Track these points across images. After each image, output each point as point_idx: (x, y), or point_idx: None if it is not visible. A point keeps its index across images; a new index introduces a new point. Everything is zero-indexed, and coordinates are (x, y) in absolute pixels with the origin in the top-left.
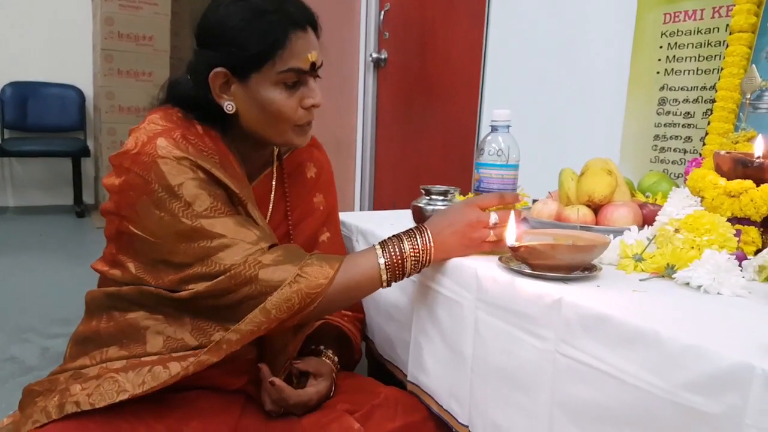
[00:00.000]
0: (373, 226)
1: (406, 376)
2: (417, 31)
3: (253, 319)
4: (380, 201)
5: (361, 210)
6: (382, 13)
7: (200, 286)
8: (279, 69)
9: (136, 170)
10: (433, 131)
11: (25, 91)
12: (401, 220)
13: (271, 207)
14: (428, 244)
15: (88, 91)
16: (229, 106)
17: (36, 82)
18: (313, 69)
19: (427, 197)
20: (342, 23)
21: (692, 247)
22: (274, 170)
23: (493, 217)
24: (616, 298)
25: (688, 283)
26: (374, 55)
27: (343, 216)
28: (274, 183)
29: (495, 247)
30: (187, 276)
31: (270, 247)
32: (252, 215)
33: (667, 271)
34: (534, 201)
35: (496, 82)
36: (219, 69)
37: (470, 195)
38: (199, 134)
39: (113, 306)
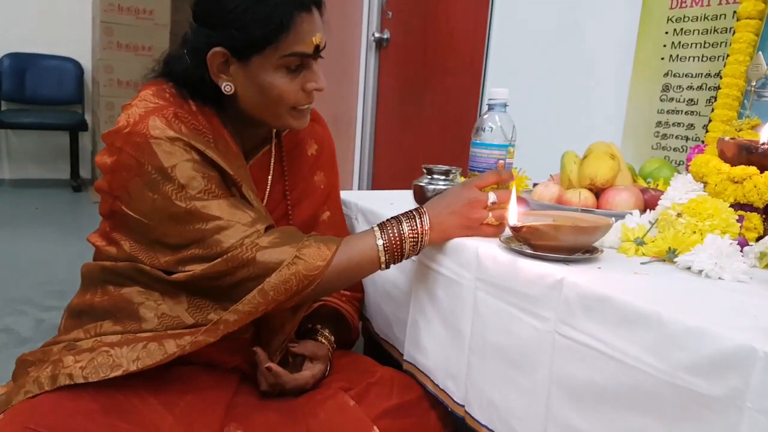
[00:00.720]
0: (373, 205)
1: (402, 356)
2: (420, 11)
3: (252, 301)
4: (379, 180)
5: (359, 188)
6: None
7: (197, 268)
8: (282, 53)
9: (128, 150)
10: (435, 112)
11: (23, 63)
12: (402, 199)
13: (269, 186)
14: (426, 225)
15: (87, 64)
16: (227, 87)
17: (34, 53)
18: (317, 52)
19: (429, 176)
20: (345, 2)
21: (694, 232)
22: (273, 148)
23: (491, 197)
24: (617, 279)
25: (689, 268)
26: (376, 35)
27: (343, 194)
28: (272, 161)
29: (495, 231)
30: (184, 257)
31: (267, 229)
32: (246, 196)
33: (669, 255)
34: (535, 184)
35: (500, 64)
36: (218, 49)
37: (470, 174)
38: (192, 112)
39: (108, 280)
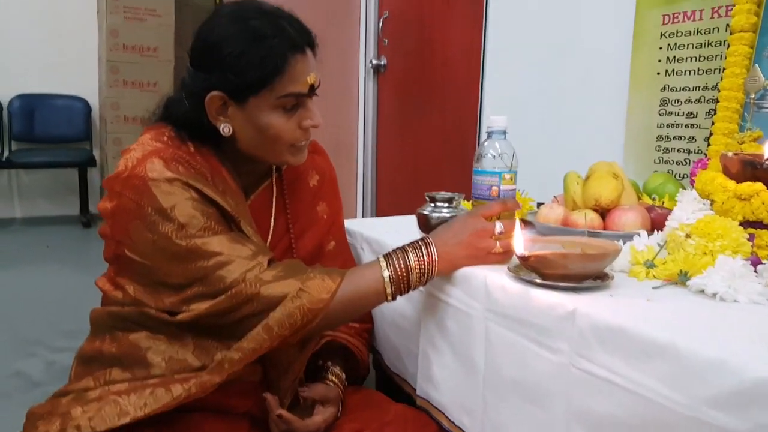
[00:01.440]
0: (377, 233)
1: (414, 390)
2: (415, 38)
3: (256, 337)
4: (382, 205)
5: (363, 215)
6: (381, 20)
7: (201, 307)
8: (278, 94)
9: (127, 194)
10: (434, 135)
11: (32, 103)
12: (406, 226)
13: (272, 220)
14: (433, 255)
15: (94, 101)
16: (225, 129)
17: (43, 94)
18: (312, 90)
19: (432, 204)
20: (342, 30)
21: (705, 253)
22: (273, 182)
23: (498, 226)
24: (630, 307)
25: (702, 291)
26: (374, 62)
27: (347, 223)
28: (273, 195)
29: (502, 259)
30: (187, 296)
31: (269, 262)
32: (245, 232)
33: (681, 278)
34: (538, 204)
35: (496, 86)
36: (216, 93)
37: (473, 202)
38: (190, 152)
39: (116, 326)
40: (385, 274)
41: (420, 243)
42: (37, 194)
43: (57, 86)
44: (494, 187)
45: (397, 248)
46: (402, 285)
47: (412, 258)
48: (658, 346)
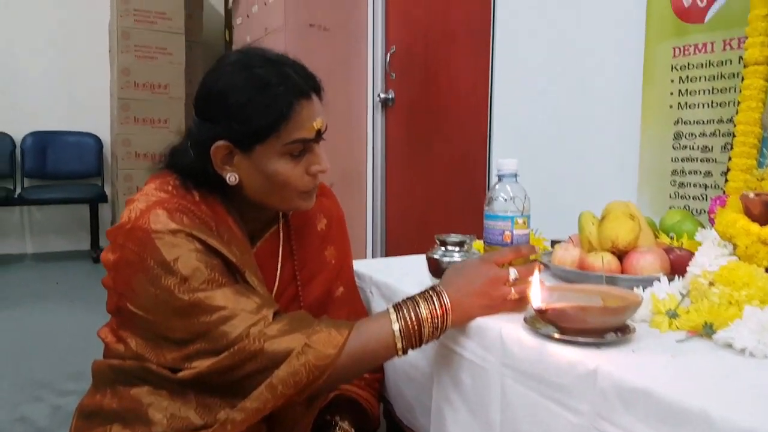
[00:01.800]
0: (388, 276)
1: None
2: (422, 72)
3: (259, 397)
4: (393, 240)
5: (373, 251)
6: (388, 54)
7: (203, 364)
8: (285, 141)
9: (130, 246)
10: (443, 169)
11: (44, 140)
12: (416, 269)
13: (279, 268)
14: (447, 306)
15: (106, 138)
16: (231, 178)
17: (55, 131)
18: (319, 135)
19: (443, 248)
20: (350, 63)
21: (730, 303)
22: (280, 228)
23: (513, 273)
24: (655, 365)
25: (730, 345)
26: (381, 95)
27: (356, 265)
28: (280, 242)
29: (517, 306)
30: (190, 353)
31: (274, 315)
32: (250, 282)
33: (706, 330)
34: (553, 243)
35: (504, 120)
36: (221, 142)
37: (486, 247)
38: (195, 202)
39: (117, 380)
40: (395, 327)
41: (432, 293)
42: (49, 230)
43: (69, 123)
44: (507, 232)
45: (408, 298)
46: (413, 339)
47: (423, 310)
48: (686, 412)
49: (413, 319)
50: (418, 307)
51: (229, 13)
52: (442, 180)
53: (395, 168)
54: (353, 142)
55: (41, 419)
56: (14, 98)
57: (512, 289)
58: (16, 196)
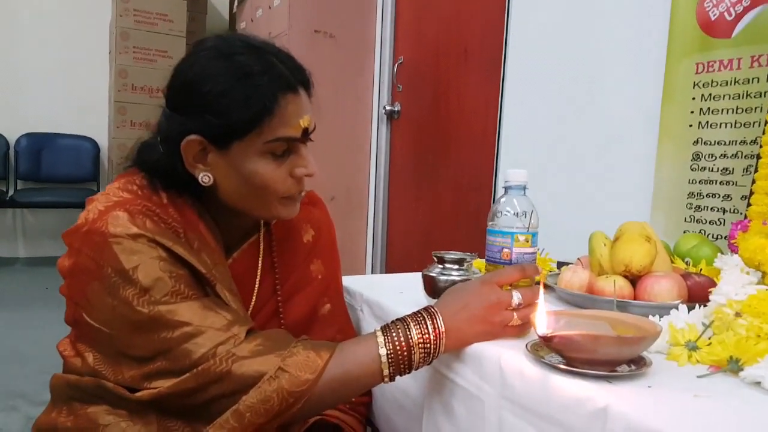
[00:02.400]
0: (380, 295)
1: None
2: (430, 84)
3: (224, 425)
4: (393, 258)
5: (372, 270)
6: (396, 65)
7: (164, 385)
8: (266, 138)
9: (86, 251)
10: (448, 185)
11: (39, 143)
12: (413, 287)
13: (257, 282)
14: (440, 330)
15: (104, 142)
16: (205, 178)
17: (51, 133)
18: (306, 135)
19: (440, 266)
20: (355, 74)
21: (759, 336)
22: (261, 237)
23: (516, 298)
24: (675, 406)
25: (759, 383)
26: (387, 108)
27: (347, 281)
28: (260, 253)
29: (519, 332)
30: (150, 371)
31: (248, 333)
32: (222, 297)
33: (731, 366)
34: (560, 264)
35: (514, 136)
36: (193, 137)
37: (486, 265)
38: (162, 204)
39: (73, 396)
40: (382, 351)
41: (424, 314)
42: (42, 234)
43: (66, 126)
44: (506, 250)
45: (398, 319)
46: (402, 365)
47: (414, 333)
48: None
49: (403, 343)
50: (409, 330)
51: (233, 17)
52: (447, 197)
53: (399, 182)
54: (356, 154)
55: (14, 430)
56: (9, 98)
57: (515, 314)
58: (8, 198)
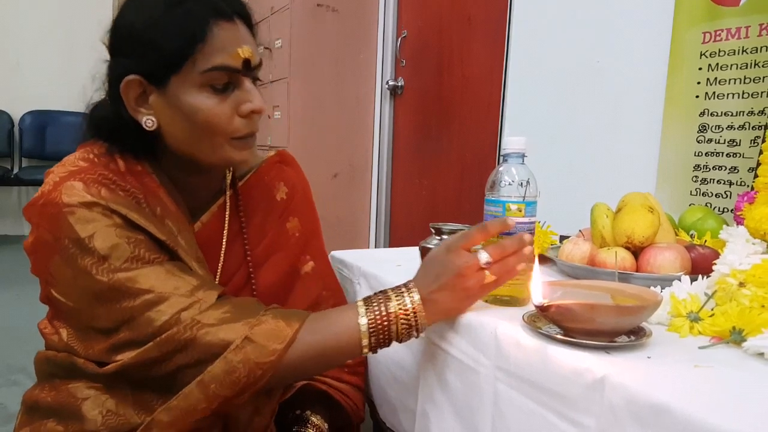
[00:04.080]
0: (378, 268)
1: None
2: (434, 59)
3: (188, 396)
4: (397, 233)
5: (376, 244)
6: (399, 40)
7: (128, 356)
8: (202, 68)
9: (44, 225)
10: (451, 160)
11: (43, 120)
12: (411, 259)
13: (224, 247)
14: (417, 304)
15: None
16: (148, 122)
17: (55, 110)
18: (249, 68)
19: (438, 237)
20: (358, 49)
21: (763, 306)
22: (227, 200)
23: (483, 258)
24: (675, 377)
25: (762, 354)
26: (391, 83)
27: (342, 254)
28: (227, 216)
29: (495, 287)
30: (115, 343)
31: (218, 299)
32: (187, 263)
33: (734, 337)
34: (562, 238)
35: (518, 109)
36: (131, 77)
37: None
38: (119, 172)
39: (53, 373)
40: (362, 321)
41: (403, 288)
42: None
43: (70, 103)
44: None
45: (379, 292)
46: (382, 336)
47: (394, 305)
48: None
49: (383, 314)
50: (389, 302)
51: None
52: (451, 172)
53: (402, 158)
54: (360, 130)
55: (14, 405)
56: (14, 75)
57: (486, 272)
58: (12, 176)
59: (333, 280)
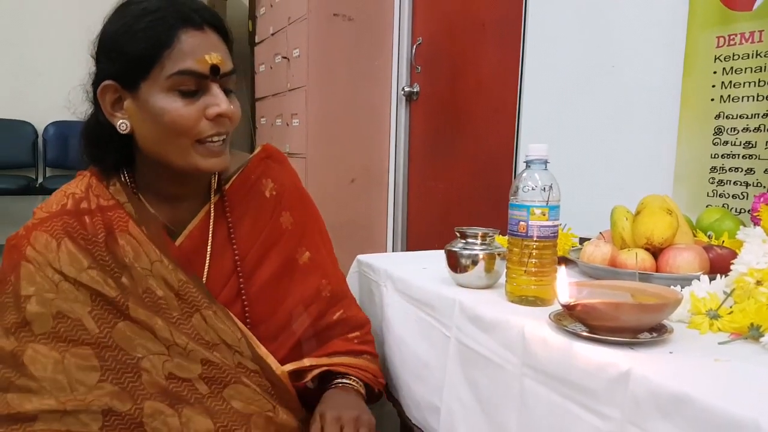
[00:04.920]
0: (404, 271)
1: None
2: (449, 64)
3: None
4: (414, 237)
5: (393, 247)
6: (414, 46)
7: None
8: (168, 72)
9: (5, 262)
10: (468, 165)
11: (66, 130)
12: (436, 262)
13: (208, 260)
14: None
15: None
16: (122, 125)
17: (77, 121)
18: (216, 73)
19: (463, 241)
20: (374, 56)
21: None
22: (212, 207)
23: None
24: (696, 369)
25: None
26: (406, 89)
27: (368, 258)
28: (211, 225)
29: None
30: None
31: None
32: (136, 317)
33: (752, 333)
34: (582, 240)
35: (534, 114)
36: (107, 82)
37: (509, 238)
38: (89, 211)
39: None
40: None
41: None
42: None
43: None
44: (522, 223)
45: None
46: None
47: None
48: (735, 424)
49: None
50: None
51: (252, 3)
52: (467, 177)
53: (418, 164)
54: (376, 135)
55: None
56: (37, 87)
57: None
58: (37, 185)
59: (333, 268)
